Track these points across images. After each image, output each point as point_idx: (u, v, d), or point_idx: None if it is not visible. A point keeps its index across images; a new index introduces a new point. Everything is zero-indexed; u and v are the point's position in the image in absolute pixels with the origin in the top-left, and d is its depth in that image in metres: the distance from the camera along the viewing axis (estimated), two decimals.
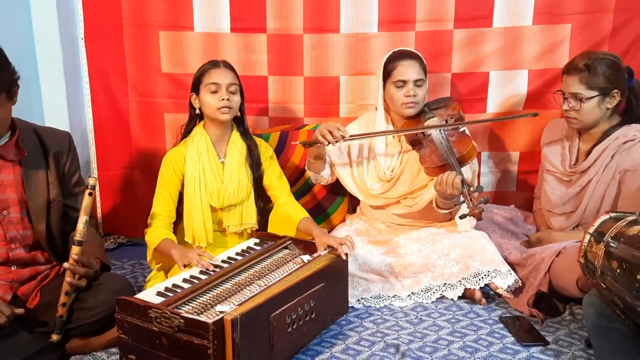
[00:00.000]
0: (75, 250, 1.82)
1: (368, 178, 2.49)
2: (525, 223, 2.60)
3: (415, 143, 2.39)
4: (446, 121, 2.38)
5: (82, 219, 1.82)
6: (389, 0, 2.69)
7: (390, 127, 2.49)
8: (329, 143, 2.28)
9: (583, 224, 2.30)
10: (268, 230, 2.36)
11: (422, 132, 2.35)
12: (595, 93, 2.17)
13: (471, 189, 2.11)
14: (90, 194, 1.84)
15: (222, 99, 2.19)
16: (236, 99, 2.25)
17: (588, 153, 2.28)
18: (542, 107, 2.75)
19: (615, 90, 2.18)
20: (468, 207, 2.09)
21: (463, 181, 2.10)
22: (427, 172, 2.33)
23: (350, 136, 2.35)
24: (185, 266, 1.98)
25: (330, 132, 2.26)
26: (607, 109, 2.21)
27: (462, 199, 2.13)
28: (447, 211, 2.32)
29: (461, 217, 2.15)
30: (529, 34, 2.69)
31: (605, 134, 2.24)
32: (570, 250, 2.09)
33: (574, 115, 2.23)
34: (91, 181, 1.85)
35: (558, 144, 2.43)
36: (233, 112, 2.25)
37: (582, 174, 2.27)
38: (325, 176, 2.53)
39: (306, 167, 2.58)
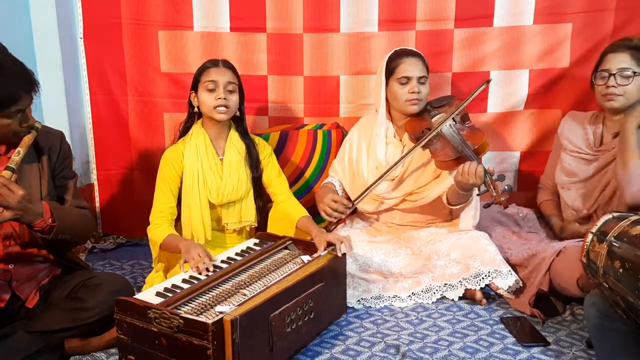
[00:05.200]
0: (3, 173, 1.71)
1: (372, 180, 2.48)
2: (527, 219, 2.59)
3: None
4: (452, 118, 2.37)
5: (17, 150, 1.75)
6: None
7: (391, 126, 2.48)
8: (341, 215, 2.36)
9: (600, 206, 2.28)
10: (267, 229, 2.35)
11: (428, 129, 2.33)
12: None
13: (493, 177, 2.12)
14: (29, 132, 1.79)
15: (219, 98, 2.18)
16: (234, 98, 2.23)
17: (611, 139, 2.27)
18: (543, 106, 2.75)
19: None
20: (492, 196, 2.11)
21: (485, 170, 2.11)
22: (439, 166, 2.32)
23: (355, 200, 2.40)
24: (185, 262, 1.96)
25: (335, 210, 2.35)
26: None
27: (484, 188, 2.14)
28: (458, 207, 2.32)
29: (485, 207, 2.17)
30: (530, 34, 2.69)
31: None
32: (570, 249, 2.09)
33: (620, 92, 2.19)
34: (37, 124, 1.82)
35: (580, 128, 2.40)
36: (230, 111, 2.24)
37: (607, 152, 2.26)
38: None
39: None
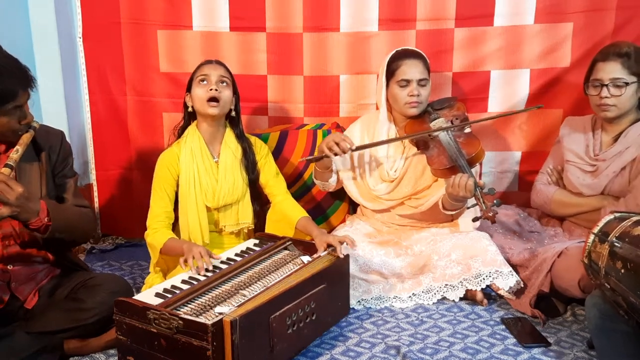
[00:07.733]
0: (2, 170, 1.71)
1: (371, 180, 2.48)
2: (528, 219, 2.58)
3: (421, 144, 2.37)
4: (451, 122, 2.36)
5: (16, 148, 1.76)
6: None
7: (393, 127, 2.48)
8: (337, 155, 2.27)
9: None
10: (265, 230, 2.34)
11: (429, 134, 2.33)
12: (635, 79, 2.16)
13: (484, 191, 2.10)
14: (27, 130, 1.79)
15: (210, 89, 2.17)
16: (226, 92, 2.21)
17: (612, 142, 2.27)
18: (544, 106, 2.73)
19: None
20: (481, 210, 2.08)
21: (476, 184, 2.10)
22: (435, 174, 2.31)
23: (357, 147, 2.33)
24: (185, 261, 1.94)
25: (337, 144, 2.26)
26: (639, 98, 2.21)
27: (474, 201, 2.12)
28: (453, 212, 2.31)
29: (474, 220, 2.15)
30: (531, 33, 2.68)
31: (632, 123, 2.23)
32: (572, 250, 2.08)
33: (614, 102, 2.18)
34: (34, 124, 1.82)
35: (581, 134, 2.38)
36: (222, 106, 2.21)
37: (612, 159, 2.24)
38: (332, 183, 2.53)
39: (313, 177, 2.56)
